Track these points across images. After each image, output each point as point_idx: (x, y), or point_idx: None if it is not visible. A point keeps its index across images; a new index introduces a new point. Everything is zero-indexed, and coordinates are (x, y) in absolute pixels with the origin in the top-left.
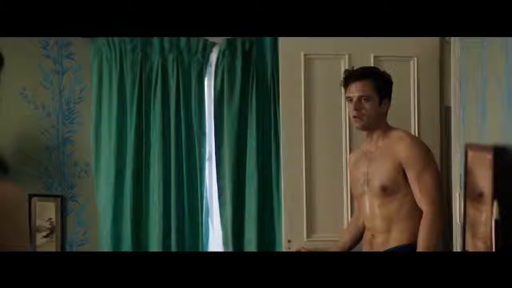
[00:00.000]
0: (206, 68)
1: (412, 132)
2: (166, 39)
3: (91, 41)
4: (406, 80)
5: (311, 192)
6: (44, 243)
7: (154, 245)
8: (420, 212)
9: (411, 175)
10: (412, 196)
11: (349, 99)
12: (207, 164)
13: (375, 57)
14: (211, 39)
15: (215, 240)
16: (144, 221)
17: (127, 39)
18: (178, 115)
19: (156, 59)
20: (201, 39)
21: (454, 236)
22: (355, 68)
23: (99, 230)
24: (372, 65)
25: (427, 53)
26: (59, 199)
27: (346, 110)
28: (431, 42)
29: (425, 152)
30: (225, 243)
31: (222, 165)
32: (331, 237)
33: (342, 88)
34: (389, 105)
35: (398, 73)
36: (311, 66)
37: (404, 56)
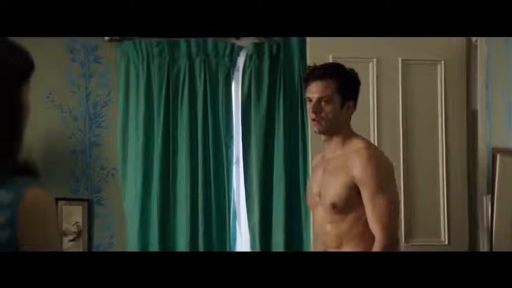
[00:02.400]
0: (233, 72)
1: (440, 136)
2: (193, 42)
3: (117, 44)
4: (433, 84)
5: None
6: (71, 247)
7: (182, 248)
8: (373, 235)
9: (364, 195)
10: (366, 217)
11: (309, 99)
12: (234, 167)
13: (403, 60)
14: (239, 42)
15: (243, 243)
16: (171, 225)
17: (154, 42)
18: (205, 118)
19: (183, 62)
20: (229, 42)
21: (481, 239)
22: (317, 65)
23: (126, 233)
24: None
25: (454, 56)
26: (86, 203)
27: (375, 113)
28: (458, 46)
29: (384, 169)
30: (252, 246)
31: (250, 168)
32: None
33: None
34: (354, 108)
35: (426, 76)
36: None
37: (431, 60)
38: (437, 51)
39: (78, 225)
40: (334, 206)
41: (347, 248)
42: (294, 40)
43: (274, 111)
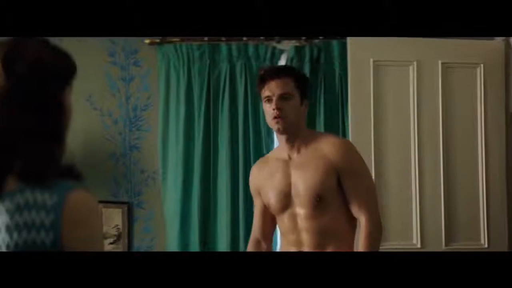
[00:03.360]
0: None
1: (479, 139)
2: (234, 46)
3: (158, 48)
4: (472, 86)
5: (380, 197)
6: (111, 250)
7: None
8: (354, 224)
9: (348, 183)
10: (347, 206)
11: (268, 98)
12: None
13: (442, 63)
14: (280, 46)
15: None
16: (212, 228)
17: (194, 45)
18: (246, 121)
19: (224, 66)
20: (269, 46)
21: None
22: (268, 66)
23: (166, 236)
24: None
25: (493, 59)
26: (125, 206)
27: (415, 116)
28: (497, 49)
29: (360, 157)
30: None
31: None
32: (388, 246)
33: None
34: (308, 106)
35: (465, 79)
36: (380, 72)
37: (470, 63)
38: (476, 54)
39: (118, 228)
40: (319, 199)
41: (331, 243)
42: (335, 43)
43: (314, 114)
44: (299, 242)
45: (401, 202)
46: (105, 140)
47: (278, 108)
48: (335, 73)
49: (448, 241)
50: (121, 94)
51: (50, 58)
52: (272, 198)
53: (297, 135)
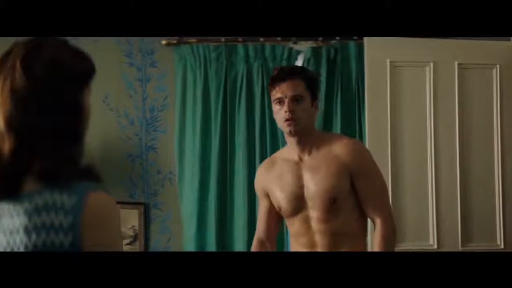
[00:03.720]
0: None
1: (495, 140)
2: (251, 47)
3: (175, 49)
4: (488, 87)
5: (396, 197)
6: (127, 250)
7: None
8: (366, 225)
9: (361, 184)
10: (359, 207)
11: (279, 100)
12: None
13: (459, 64)
14: (296, 47)
15: None
16: (228, 228)
17: (211, 46)
18: (263, 122)
19: (241, 67)
20: (286, 47)
21: None
22: (281, 67)
23: (183, 237)
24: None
25: (509, 60)
26: (142, 207)
27: (431, 117)
28: None
29: (372, 157)
30: None
31: None
32: (404, 246)
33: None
34: (318, 108)
35: (481, 80)
36: (396, 73)
37: (487, 64)
38: (492, 55)
39: (134, 229)
40: (333, 201)
41: (344, 245)
42: (351, 44)
43: (331, 115)
44: (311, 244)
45: (417, 202)
46: (121, 141)
47: (290, 110)
48: (352, 74)
49: (464, 241)
50: (137, 95)
51: (69, 58)
52: (282, 200)
53: (308, 137)
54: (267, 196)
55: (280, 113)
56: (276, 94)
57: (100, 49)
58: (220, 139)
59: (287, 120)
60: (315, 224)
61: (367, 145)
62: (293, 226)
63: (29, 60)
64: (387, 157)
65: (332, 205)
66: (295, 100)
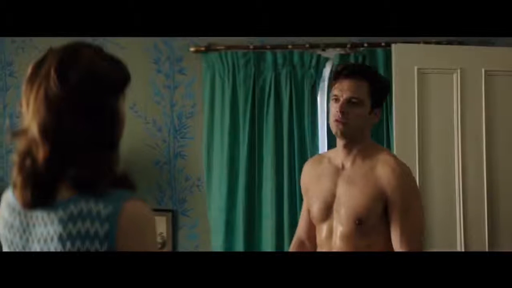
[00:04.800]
0: (319, 83)
1: None
2: (279, 54)
3: (203, 56)
4: None
5: (424, 204)
6: None
7: None
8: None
9: (395, 212)
10: (388, 237)
11: (335, 97)
12: None
13: (485, 71)
14: (324, 54)
15: None
16: (256, 236)
17: (239, 53)
18: (291, 129)
19: (269, 73)
20: (314, 54)
21: None
22: (350, 63)
23: (211, 244)
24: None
25: None
26: (170, 214)
27: (459, 124)
28: None
29: (414, 184)
30: None
31: None
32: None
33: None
34: (379, 117)
35: (508, 87)
36: (424, 80)
37: None
38: None
39: (162, 236)
40: (358, 222)
41: None
42: (379, 51)
43: None
44: None
45: (445, 209)
46: (149, 148)
47: (342, 111)
48: None
49: (491, 248)
50: (165, 102)
51: (105, 66)
52: (314, 205)
53: (356, 144)
54: (307, 193)
55: (332, 112)
56: (334, 90)
57: (128, 56)
58: (248, 146)
59: (336, 120)
60: (337, 239)
61: (394, 151)
62: (318, 234)
63: (64, 68)
64: (415, 163)
65: (357, 226)
66: (351, 102)
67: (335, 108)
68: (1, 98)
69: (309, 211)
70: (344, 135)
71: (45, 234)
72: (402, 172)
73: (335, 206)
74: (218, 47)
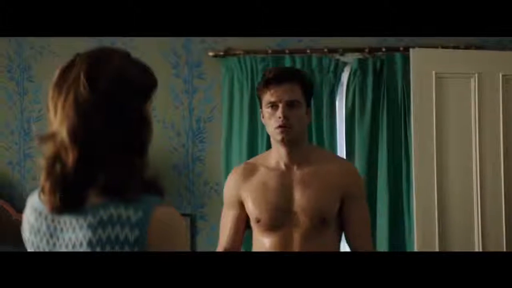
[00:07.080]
0: (337, 88)
1: None
2: (297, 58)
3: (222, 60)
4: None
5: (443, 207)
6: None
7: None
8: (339, 249)
9: (349, 208)
10: (338, 232)
11: (273, 104)
12: None
13: (503, 76)
14: (343, 58)
15: None
16: None
17: (258, 58)
18: (309, 133)
19: None
20: (333, 58)
21: None
22: (275, 68)
23: None
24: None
25: None
26: (188, 218)
27: (477, 127)
28: None
29: (364, 184)
30: None
31: None
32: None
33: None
34: (310, 116)
35: None
36: (442, 84)
37: None
38: None
39: None
40: (322, 222)
41: None
42: (398, 56)
43: (377, 126)
44: None
45: (463, 212)
46: (168, 152)
47: (284, 116)
48: (398, 85)
49: (509, 248)
50: (184, 107)
51: (133, 72)
52: (265, 213)
53: (300, 147)
54: (240, 205)
55: (272, 119)
56: (270, 97)
57: (146, 61)
58: (266, 150)
59: (280, 126)
60: (295, 241)
61: (412, 155)
62: (269, 240)
63: (94, 73)
64: (433, 168)
65: (321, 225)
66: (290, 105)
67: (275, 114)
68: (19, 102)
69: (239, 221)
70: (289, 140)
71: (73, 239)
72: (353, 168)
73: (294, 210)
74: (237, 52)
